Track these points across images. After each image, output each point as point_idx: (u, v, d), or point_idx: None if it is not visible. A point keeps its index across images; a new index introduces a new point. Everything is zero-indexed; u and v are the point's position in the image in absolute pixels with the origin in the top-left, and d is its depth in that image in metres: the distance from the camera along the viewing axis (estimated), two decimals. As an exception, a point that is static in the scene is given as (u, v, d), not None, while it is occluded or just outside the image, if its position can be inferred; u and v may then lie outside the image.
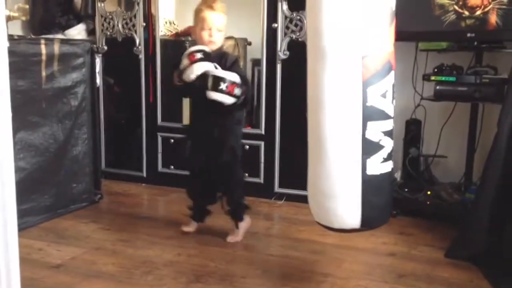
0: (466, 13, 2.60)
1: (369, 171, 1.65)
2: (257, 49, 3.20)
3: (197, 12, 2.37)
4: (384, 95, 1.61)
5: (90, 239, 2.55)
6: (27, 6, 1.77)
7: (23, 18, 1.70)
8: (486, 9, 2.56)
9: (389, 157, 1.68)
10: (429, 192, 2.86)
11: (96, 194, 3.14)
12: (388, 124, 1.65)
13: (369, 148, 1.63)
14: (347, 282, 2.11)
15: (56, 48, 2.80)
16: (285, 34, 3.06)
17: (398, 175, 3.05)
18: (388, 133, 1.66)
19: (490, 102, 2.67)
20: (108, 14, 3.50)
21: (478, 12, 2.58)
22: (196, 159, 2.46)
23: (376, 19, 1.60)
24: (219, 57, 2.36)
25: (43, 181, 2.77)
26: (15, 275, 1.30)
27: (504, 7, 2.52)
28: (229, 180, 2.47)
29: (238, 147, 2.51)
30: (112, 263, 2.26)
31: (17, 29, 3.61)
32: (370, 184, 1.66)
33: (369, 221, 1.72)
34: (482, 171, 2.32)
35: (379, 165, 1.65)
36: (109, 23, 3.52)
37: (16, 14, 1.66)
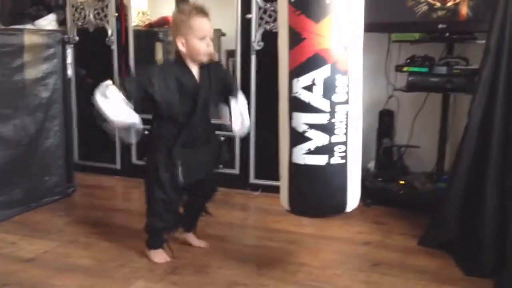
0: (438, 4, 2.63)
1: (294, 160, 1.74)
2: (231, 40, 3.19)
3: (186, 20, 1.98)
4: (308, 88, 1.66)
5: (63, 232, 2.53)
6: (-3, -3, 1.74)
7: (-6, 8, 1.67)
8: (457, 1, 2.60)
9: (319, 151, 1.69)
10: (402, 182, 2.90)
11: (69, 187, 3.10)
12: (317, 118, 1.67)
13: (294, 137, 1.73)
14: (322, 271, 2.14)
15: (26, 38, 2.74)
16: (259, 25, 3.05)
17: (372, 165, 3.09)
18: (318, 127, 1.68)
19: (461, 93, 2.72)
20: (79, 4, 3.45)
21: (450, 4, 2.61)
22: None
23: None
24: (214, 68, 2.12)
25: (15, 174, 2.73)
26: (-12, 270, 1.28)
27: (474, -2, 2.56)
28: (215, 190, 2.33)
29: None
30: (86, 256, 2.25)
31: (-15, 20, 3.54)
32: (296, 172, 1.76)
33: (297, 207, 1.84)
34: (453, 161, 2.36)
35: (303, 156, 1.71)
36: (80, 13, 3.46)
37: (-15, 5, 1.63)
